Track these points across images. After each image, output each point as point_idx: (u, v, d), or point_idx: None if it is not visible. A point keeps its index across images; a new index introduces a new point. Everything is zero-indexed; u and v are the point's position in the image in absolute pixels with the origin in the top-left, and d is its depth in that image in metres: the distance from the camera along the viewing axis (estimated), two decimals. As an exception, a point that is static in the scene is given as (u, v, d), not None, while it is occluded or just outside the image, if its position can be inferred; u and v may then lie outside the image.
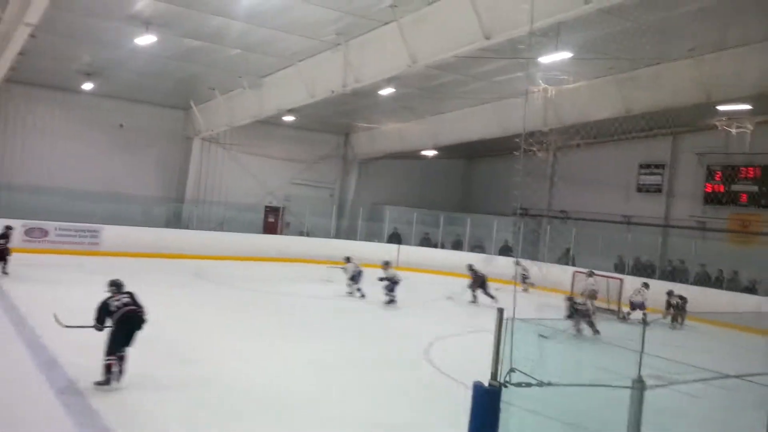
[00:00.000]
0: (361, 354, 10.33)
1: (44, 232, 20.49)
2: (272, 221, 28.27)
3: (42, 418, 6.14)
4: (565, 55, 13.82)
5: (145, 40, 15.93)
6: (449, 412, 6.26)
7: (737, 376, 6.99)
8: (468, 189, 33.37)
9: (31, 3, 11.10)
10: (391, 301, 16.14)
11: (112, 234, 21.47)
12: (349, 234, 28.12)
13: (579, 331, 13.09)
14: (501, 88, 19.98)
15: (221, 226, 25.79)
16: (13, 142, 22.85)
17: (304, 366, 9.17)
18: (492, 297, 16.58)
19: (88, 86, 22.00)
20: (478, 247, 26.53)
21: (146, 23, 15.46)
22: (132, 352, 7.48)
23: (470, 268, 18.24)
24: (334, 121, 26.74)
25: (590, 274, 17.68)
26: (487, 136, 23.36)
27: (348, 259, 17.61)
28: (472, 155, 32.31)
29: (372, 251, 26.03)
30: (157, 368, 8.17)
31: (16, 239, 19.38)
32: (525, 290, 20.36)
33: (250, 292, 16.25)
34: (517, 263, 18.24)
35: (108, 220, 22.21)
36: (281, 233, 27.72)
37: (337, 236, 28.18)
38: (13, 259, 15.62)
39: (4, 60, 15.33)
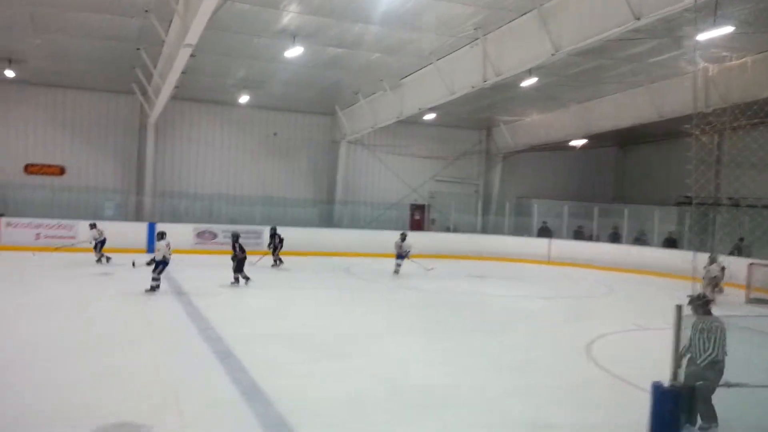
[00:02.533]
0: (520, 352, 10.09)
1: (213, 235, 22.36)
2: (418, 218, 28.61)
3: (224, 406, 6.66)
4: (726, 30, 12.54)
5: (293, 52, 16.79)
6: (623, 413, 5.89)
7: None
8: (621, 178, 31.55)
9: (191, 26, 12.08)
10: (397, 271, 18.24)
11: (271, 235, 22.97)
12: (496, 229, 27.71)
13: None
14: (653, 69, 18.62)
15: (369, 224, 26.53)
16: (182, 154, 25.18)
17: (461, 364, 9.13)
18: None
19: (243, 99, 23.67)
20: (640, 240, 24.91)
21: (293, 35, 16.31)
22: (290, 347, 7.83)
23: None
24: (475, 117, 26.47)
25: (712, 261, 15.93)
26: (640, 121, 21.89)
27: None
28: (624, 143, 30.51)
29: (521, 246, 25.51)
30: (317, 363, 8.54)
31: (189, 242, 21.48)
32: (719, 291, 16.34)
33: (399, 288, 16.54)
34: (713, 261, 16.11)
35: (267, 222, 23.77)
36: (427, 230, 27.96)
37: (484, 231, 27.89)
38: (186, 259, 17.19)
39: (170, 80, 16.88)
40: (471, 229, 27.93)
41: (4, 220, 20.19)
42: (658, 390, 3.24)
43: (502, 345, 10.55)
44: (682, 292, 7.44)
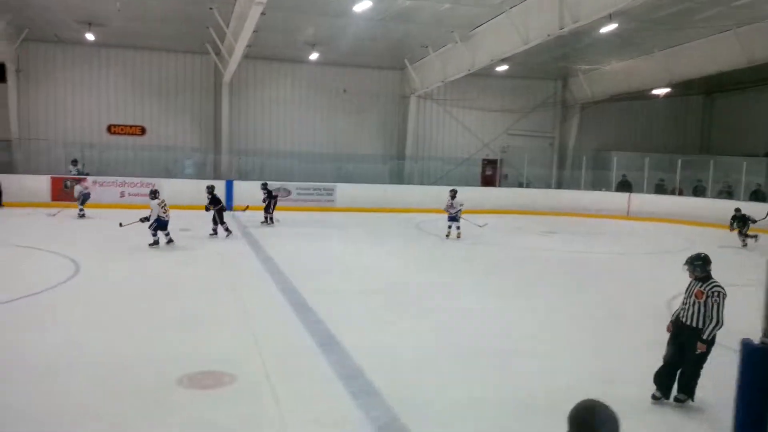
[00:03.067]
0: (599, 307, 9.87)
1: (288, 192, 22.81)
2: (490, 174, 28.17)
3: (301, 356, 6.87)
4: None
5: (362, 6, 16.55)
6: (709, 370, 5.67)
7: None
8: (707, 129, 29.87)
9: (262, -17, 12.11)
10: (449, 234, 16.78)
11: (344, 191, 23.28)
12: (572, 184, 26.95)
13: None
14: (742, 12, 17.29)
15: (440, 179, 26.35)
16: (255, 112, 25.59)
17: (538, 319, 9.03)
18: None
19: (313, 56, 23.68)
20: (725, 193, 23.65)
21: (361, -12, 16.06)
22: (366, 301, 7.90)
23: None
24: (551, 66, 25.50)
25: None
26: (729, 68, 20.46)
27: None
28: (710, 91, 28.76)
29: (598, 200, 24.76)
30: (395, 315, 8.64)
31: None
32: None
33: (469, 245, 16.43)
34: None
35: (339, 179, 24.10)
36: (499, 185, 27.51)
37: (559, 186, 27.19)
38: (260, 216, 17.60)
39: (242, 38, 17.04)
40: (545, 184, 27.29)
41: (90, 179, 21.24)
42: (747, 347, 3.07)
43: (579, 301, 10.33)
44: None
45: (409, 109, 26.51)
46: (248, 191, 20.90)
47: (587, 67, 25.47)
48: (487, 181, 27.83)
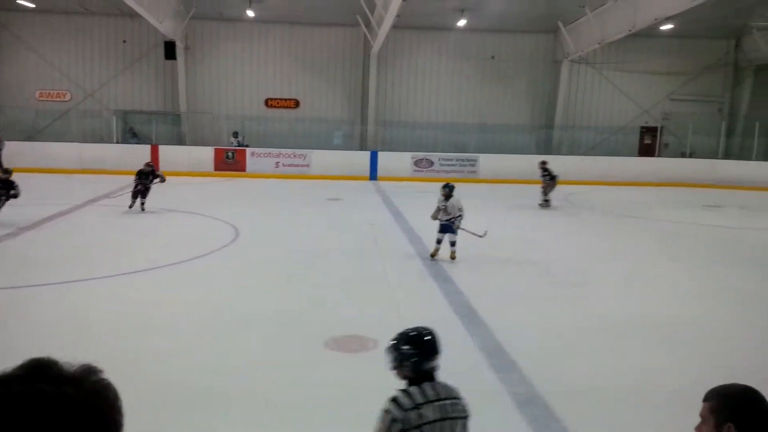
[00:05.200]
0: (761, 288, 8.95)
1: (430, 163, 22.85)
2: (648, 143, 26.21)
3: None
4: None
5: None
6: None
7: None
8: None
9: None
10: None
11: (487, 162, 22.85)
12: (742, 154, 24.37)
13: None
14: None
15: (592, 150, 24.99)
16: (401, 83, 25.74)
17: (696, 295, 8.39)
18: None
19: (461, 23, 23.24)
20: None
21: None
22: (506, 273, 7.77)
23: None
24: (723, 24, 23.00)
25: None
26: None
27: None
28: None
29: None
30: (545, 289, 8.42)
31: (407, 169, 22.21)
32: None
33: (623, 217, 15.49)
34: None
35: (483, 150, 23.67)
36: (659, 155, 25.54)
37: (727, 156, 24.73)
38: (404, 186, 17.78)
39: (392, 8, 17.09)
40: (711, 154, 24.93)
41: (249, 150, 22.66)
42: None
43: (741, 280, 9.39)
44: None
45: (561, 75, 25.26)
46: (395, 162, 21.26)
47: (764, 23, 22.65)
48: (646, 151, 25.93)
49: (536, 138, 25.65)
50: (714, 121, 25.58)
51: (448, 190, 10.11)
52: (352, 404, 4.87)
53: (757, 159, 23.50)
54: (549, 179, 16.47)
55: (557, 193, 16.64)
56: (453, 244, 9.97)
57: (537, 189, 16.70)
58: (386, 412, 2.65)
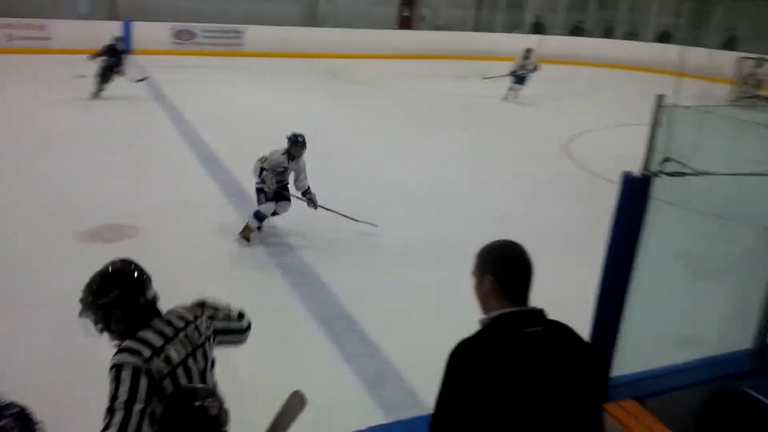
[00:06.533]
0: (495, 149, 10.31)
1: (192, 35, 21.23)
2: (407, 15, 27.05)
3: (208, 206, 6.90)
4: None
5: None
6: (592, 206, 6.12)
7: None
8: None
9: None
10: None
11: (254, 34, 21.75)
12: (488, 26, 26.46)
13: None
14: None
15: (355, 23, 24.98)
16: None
17: (441, 160, 9.37)
18: None
19: None
20: (632, 35, 24.11)
21: None
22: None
23: None
24: None
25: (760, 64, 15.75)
26: None
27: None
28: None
29: (514, 44, 24.54)
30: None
31: (167, 42, 20.47)
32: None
33: (379, 89, 16.24)
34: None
35: (247, 21, 22.32)
36: (415, 28, 26.62)
37: (476, 29, 26.64)
38: (164, 60, 16.54)
39: None
40: (462, 27, 26.62)
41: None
42: (627, 179, 3.35)
43: (483, 142, 10.73)
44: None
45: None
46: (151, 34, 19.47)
47: None
48: (405, 24, 26.80)
49: (299, 8, 24.84)
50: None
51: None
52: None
53: (501, 30, 25.62)
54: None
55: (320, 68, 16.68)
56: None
57: (296, 62, 16.48)
58: (118, 367, 1.95)
